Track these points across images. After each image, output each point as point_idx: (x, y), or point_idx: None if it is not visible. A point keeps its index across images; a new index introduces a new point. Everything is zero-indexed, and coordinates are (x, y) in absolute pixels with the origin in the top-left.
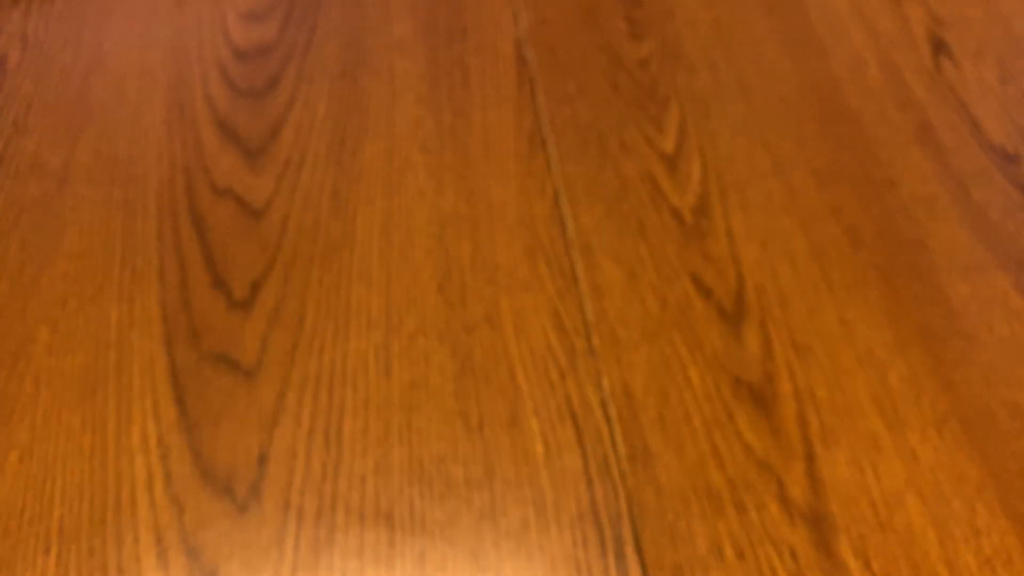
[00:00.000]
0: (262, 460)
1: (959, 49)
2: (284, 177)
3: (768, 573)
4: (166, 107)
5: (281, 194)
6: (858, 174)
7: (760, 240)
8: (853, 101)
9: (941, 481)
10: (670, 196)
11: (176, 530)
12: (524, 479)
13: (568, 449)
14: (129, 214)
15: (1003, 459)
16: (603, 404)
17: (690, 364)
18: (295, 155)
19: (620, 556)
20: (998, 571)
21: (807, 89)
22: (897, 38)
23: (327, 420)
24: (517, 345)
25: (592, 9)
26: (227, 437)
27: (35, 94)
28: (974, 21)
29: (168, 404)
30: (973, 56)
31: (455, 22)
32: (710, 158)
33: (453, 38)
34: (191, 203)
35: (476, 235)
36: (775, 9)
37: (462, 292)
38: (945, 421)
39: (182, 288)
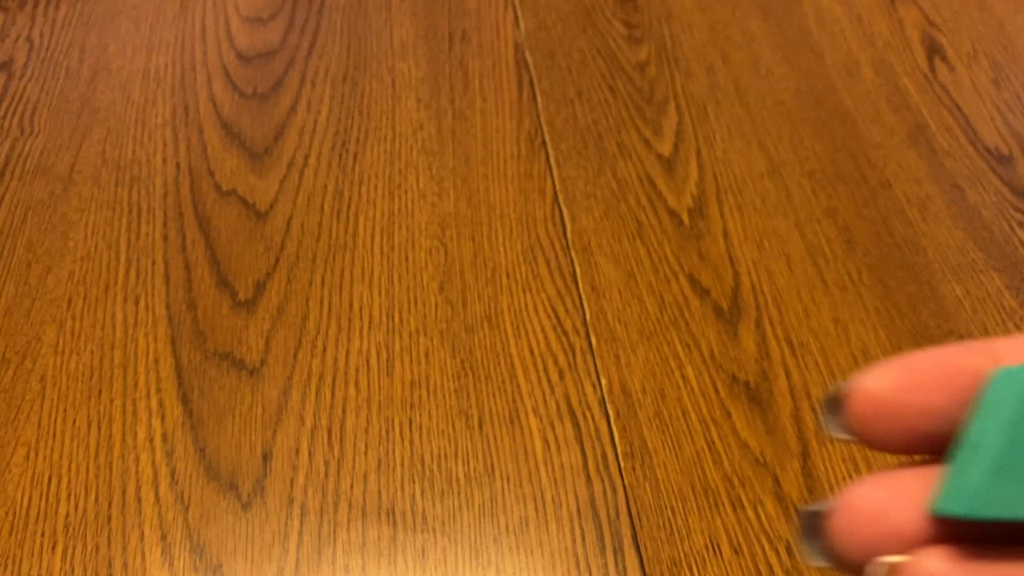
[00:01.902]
0: (266, 457)
1: (953, 51)
2: (288, 179)
3: (764, 569)
4: (171, 110)
5: (285, 196)
6: (853, 175)
7: (756, 241)
8: (848, 103)
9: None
10: (667, 197)
11: (181, 527)
12: (524, 476)
13: (567, 446)
14: (134, 215)
15: None
16: (602, 402)
17: (687, 363)
18: (298, 157)
19: (618, 552)
20: None
21: (803, 92)
22: (892, 41)
23: (330, 418)
24: (517, 344)
25: (591, 13)
26: (231, 435)
27: (41, 97)
28: (968, 23)
29: (173, 403)
30: (967, 58)
31: (456, 26)
32: (707, 160)
33: (454, 42)
34: (196, 204)
35: (476, 236)
36: (771, 13)
37: (463, 292)
38: None
39: (187, 288)
